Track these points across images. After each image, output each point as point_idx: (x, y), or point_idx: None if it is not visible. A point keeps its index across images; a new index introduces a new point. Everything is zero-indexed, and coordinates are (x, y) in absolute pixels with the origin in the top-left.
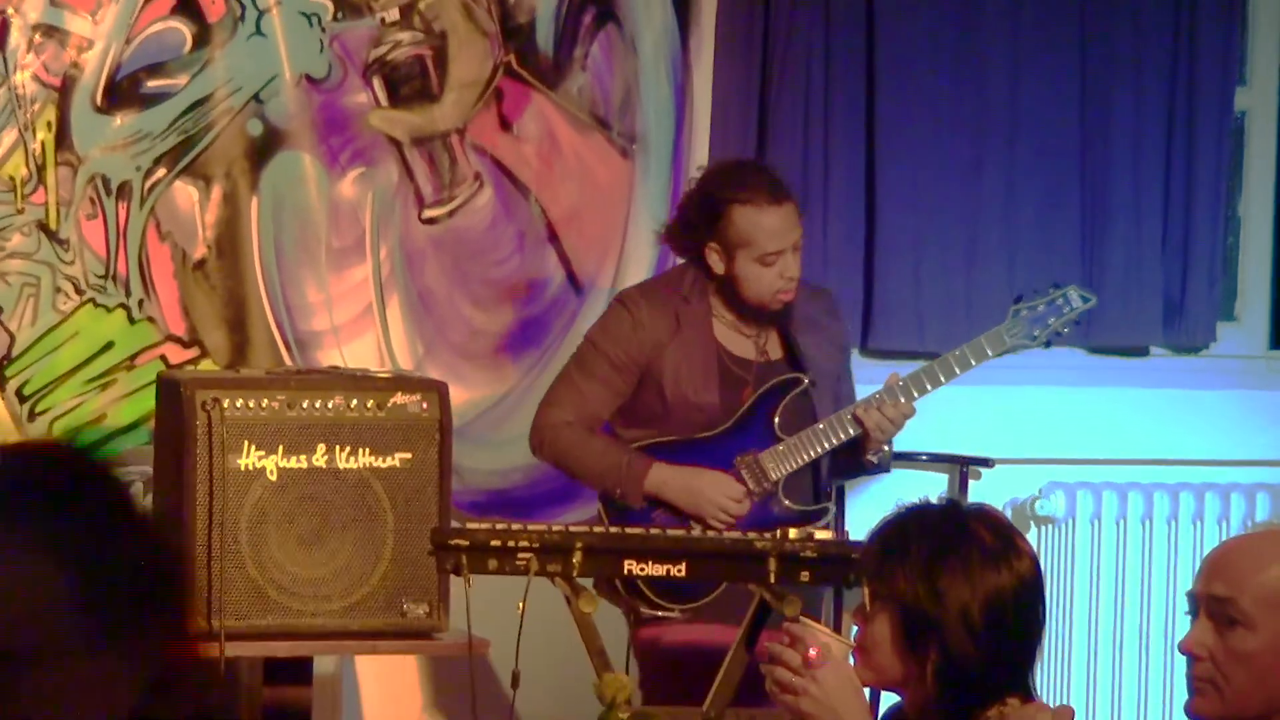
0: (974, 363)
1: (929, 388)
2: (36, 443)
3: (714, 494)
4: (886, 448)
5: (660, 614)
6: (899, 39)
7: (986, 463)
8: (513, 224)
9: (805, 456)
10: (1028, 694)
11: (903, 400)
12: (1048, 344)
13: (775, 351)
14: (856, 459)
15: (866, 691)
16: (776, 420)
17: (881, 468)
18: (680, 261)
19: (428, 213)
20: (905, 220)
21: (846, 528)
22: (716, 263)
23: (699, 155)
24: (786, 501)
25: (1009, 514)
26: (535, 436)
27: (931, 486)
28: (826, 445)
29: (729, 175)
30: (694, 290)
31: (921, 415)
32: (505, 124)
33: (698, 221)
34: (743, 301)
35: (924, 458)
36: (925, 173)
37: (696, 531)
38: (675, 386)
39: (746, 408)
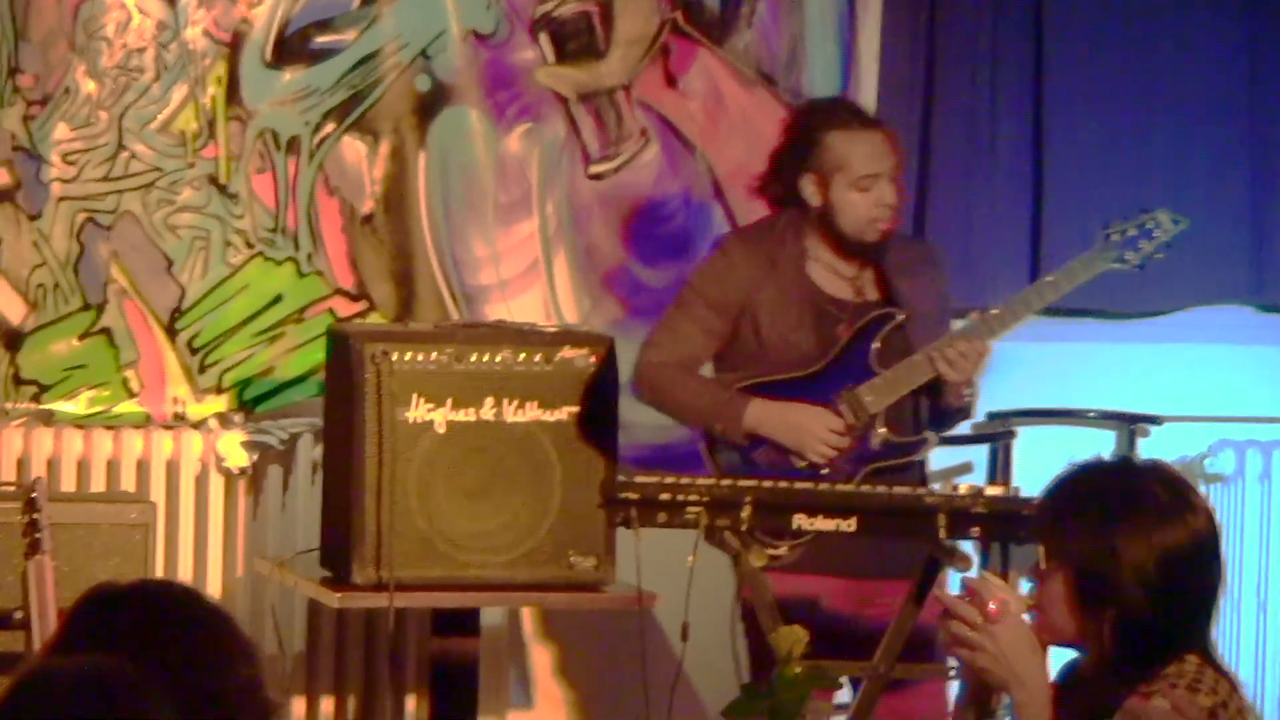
0: (1065, 289)
1: (1014, 322)
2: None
3: (814, 426)
4: (968, 392)
5: (770, 552)
6: None
7: (1155, 420)
8: (678, 180)
9: (902, 389)
10: (1206, 652)
11: (979, 339)
12: (1141, 266)
13: (871, 293)
14: (936, 405)
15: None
16: (873, 354)
17: (963, 413)
18: None
19: (594, 168)
20: (1073, 181)
21: (1016, 484)
22: (813, 194)
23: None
24: (885, 432)
25: None
26: (635, 378)
27: (1100, 444)
28: (924, 377)
29: (821, 106)
30: (789, 231)
31: (1090, 372)
32: (671, 80)
33: (793, 156)
34: (840, 233)
35: (1092, 415)
36: (1093, 132)
37: (866, 487)
38: (770, 325)
39: (843, 344)
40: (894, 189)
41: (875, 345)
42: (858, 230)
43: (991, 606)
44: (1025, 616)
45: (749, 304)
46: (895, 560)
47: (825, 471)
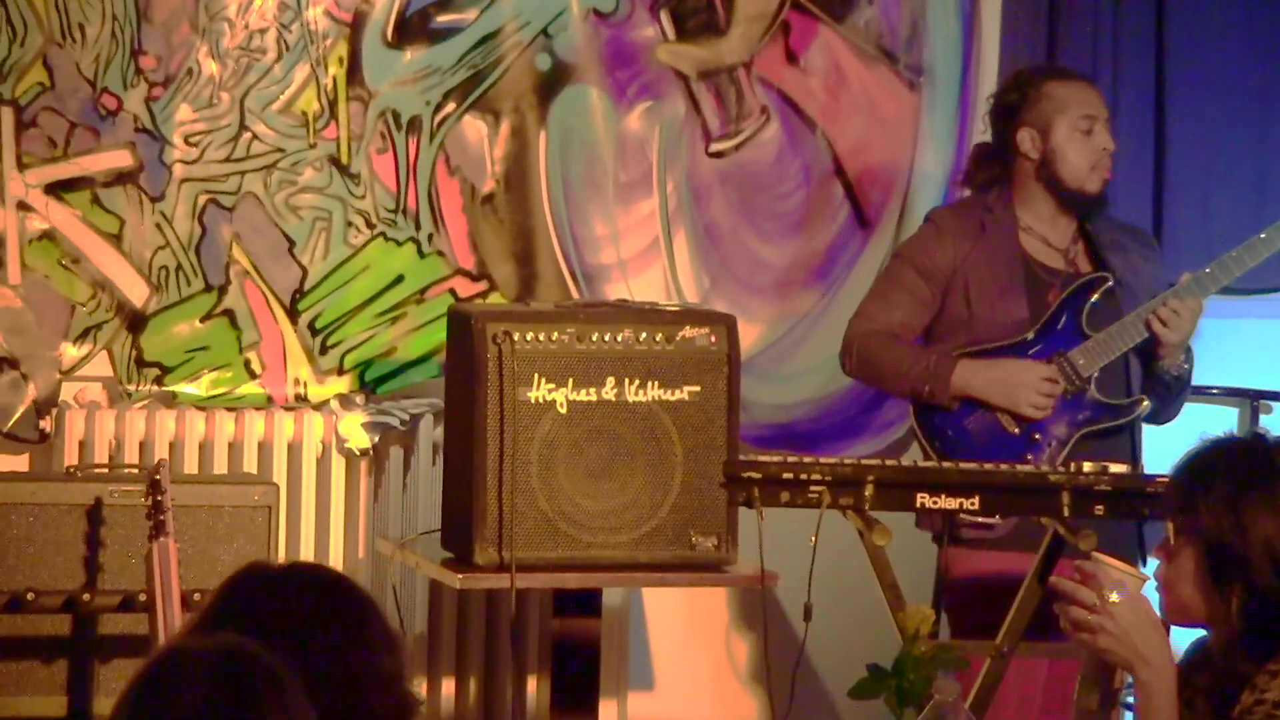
0: (1265, 252)
1: (1226, 279)
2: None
3: (1025, 377)
4: (1185, 359)
5: (980, 520)
6: None
7: (1278, 396)
8: (799, 157)
9: (1116, 350)
10: None
11: (1192, 297)
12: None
13: (1084, 264)
14: (1152, 379)
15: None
16: (1084, 318)
17: (1181, 380)
18: None
19: (714, 146)
20: (1194, 151)
21: (1142, 460)
22: (1031, 148)
23: (986, 88)
24: (1099, 395)
25: None
26: (844, 350)
27: (1222, 420)
28: (1137, 338)
29: (1031, 66)
30: (999, 202)
31: (1212, 348)
32: (792, 57)
33: (1008, 114)
34: (1061, 183)
35: (1215, 391)
36: (1214, 103)
37: (989, 465)
38: (981, 292)
39: (1053, 309)
40: (1111, 139)
41: (1086, 309)
42: (1079, 177)
43: (1119, 589)
44: (1145, 593)
45: (958, 272)
46: (1103, 536)
47: (1037, 437)
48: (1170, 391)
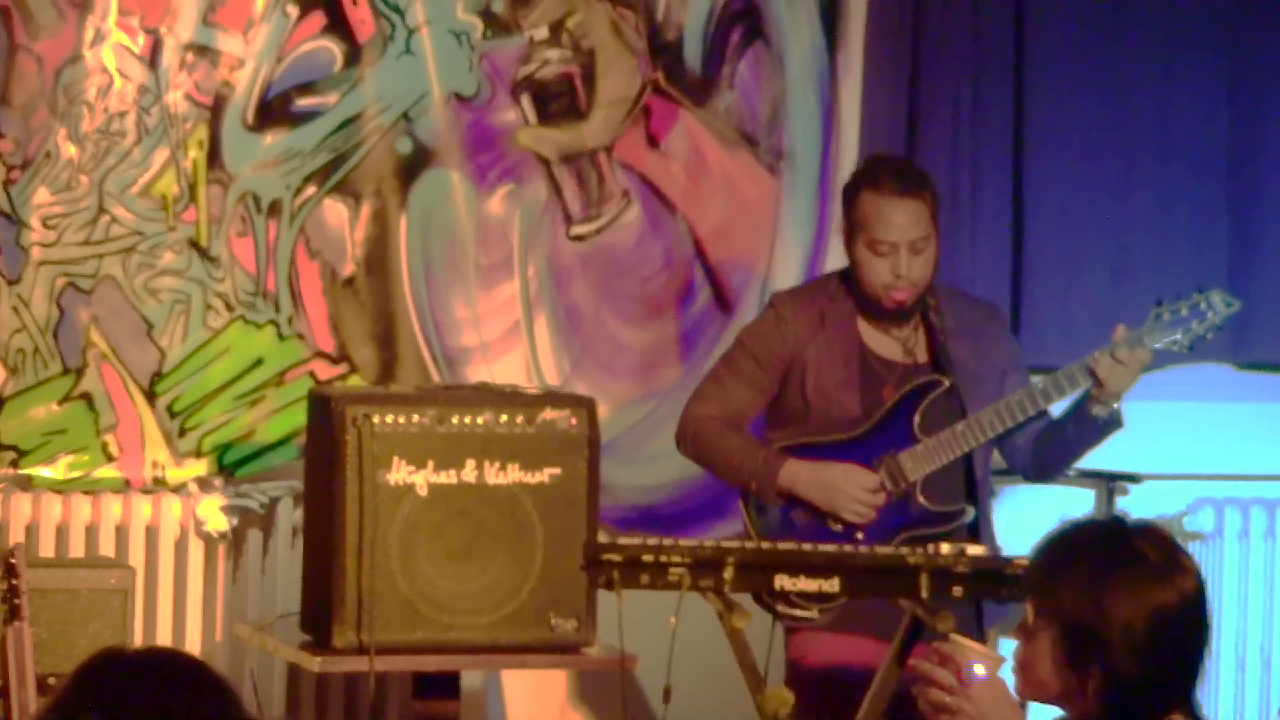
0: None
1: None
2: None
3: (847, 485)
4: (1117, 405)
5: (799, 613)
6: (1047, 56)
7: (1134, 478)
8: (660, 241)
9: (945, 457)
10: (1191, 711)
11: (1141, 349)
12: (1190, 348)
13: (922, 355)
14: (1083, 422)
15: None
16: (916, 421)
17: (1114, 422)
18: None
19: (575, 230)
20: (1053, 236)
21: (999, 543)
22: (848, 250)
23: (846, 173)
24: (923, 501)
25: None
26: (680, 430)
27: (1078, 502)
28: (967, 446)
29: (874, 163)
30: (840, 290)
31: None
32: (653, 141)
33: (843, 209)
34: (861, 291)
35: (1071, 473)
36: (1073, 189)
37: (849, 547)
38: (816, 383)
39: (887, 408)
40: (917, 263)
41: (920, 410)
42: (874, 292)
43: (977, 669)
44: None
45: (796, 360)
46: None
47: (860, 536)
48: (1101, 435)
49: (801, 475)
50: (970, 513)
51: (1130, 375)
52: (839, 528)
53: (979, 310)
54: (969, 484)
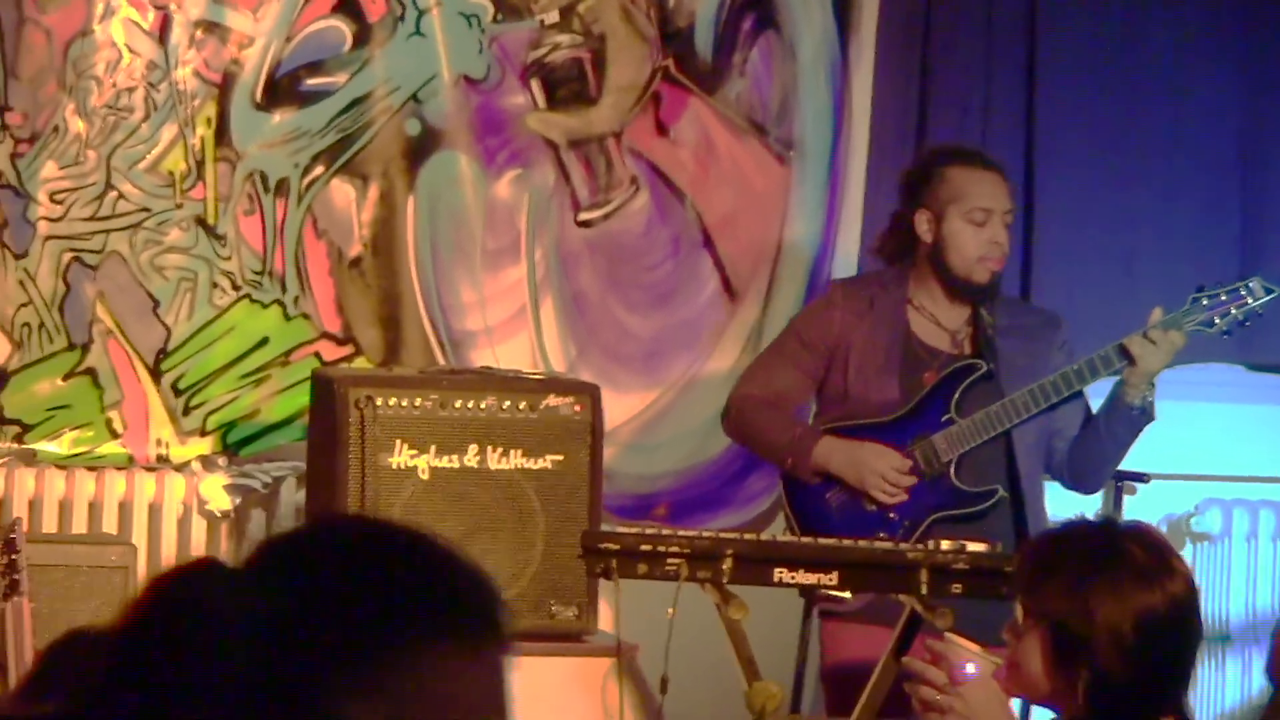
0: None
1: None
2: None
3: (877, 463)
4: (1149, 393)
5: (833, 594)
6: (1059, 49)
7: (1142, 478)
8: (668, 228)
9: (980, 437)
10: (1181, 714)
11: (1175, 331)
12: (1227, 332)
13: (969, 348)
14: (1116, 413)
15: (1015, 705)
16: (955, 403)
17: (1146, 415)
18: None
19: (583, 215)
20: (1064, 232)
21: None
22: (925, 231)
23: (856, 162)
24: (957, 481)
25: (1164, 530)
26: (724, 410)
27: (1087, 502)
28: (1002, 426)
29: (945, 146)
30: (893, 278)
31: None
32: (662, 128)
33: (911, 193)
34: (948, 270)
35: None
36: (1084, 185)
37: (848, 541)
38: (858, 369)
39: (926, 391)
40: (1007, 234)
41: (958, 393)
42: (966, 267)
43: (969, 669)
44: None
45: (841, 344)
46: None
47: (893, 516)
48: (1133, 430)
49: (835, 452)
50: (1001, 494)
51: (1162, 355)
52: (873, 508)
53: (1036, 315)
54: (1010, 469)
